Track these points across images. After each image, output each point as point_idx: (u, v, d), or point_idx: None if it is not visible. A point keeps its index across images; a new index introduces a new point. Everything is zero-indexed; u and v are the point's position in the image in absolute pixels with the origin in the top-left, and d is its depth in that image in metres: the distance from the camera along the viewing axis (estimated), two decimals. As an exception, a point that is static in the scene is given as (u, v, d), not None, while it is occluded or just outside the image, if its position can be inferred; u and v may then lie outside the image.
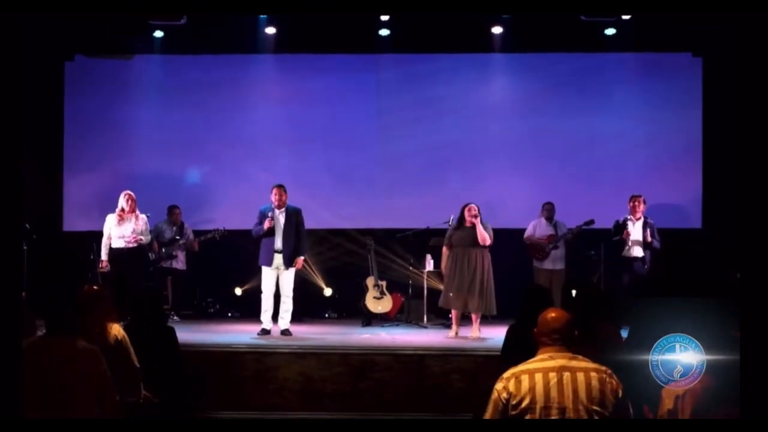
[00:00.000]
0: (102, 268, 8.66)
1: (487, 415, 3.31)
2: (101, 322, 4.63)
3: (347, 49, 10.43)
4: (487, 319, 8.83)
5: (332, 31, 9.91)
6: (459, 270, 8.14)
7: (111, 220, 8.63)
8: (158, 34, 10.11)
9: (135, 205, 8.65)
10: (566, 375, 3.21)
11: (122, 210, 8.60)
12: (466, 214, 8.21)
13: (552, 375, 3.21)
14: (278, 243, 8.07)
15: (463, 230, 8.24)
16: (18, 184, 3.69)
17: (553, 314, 3.40)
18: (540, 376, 3.21)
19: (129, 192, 8.69)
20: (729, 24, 8.29)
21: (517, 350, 3.63)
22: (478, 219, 8.13)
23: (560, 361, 3.25)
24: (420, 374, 6.83)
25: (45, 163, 10.29)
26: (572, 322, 3.38)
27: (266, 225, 8.05)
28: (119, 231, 8.59)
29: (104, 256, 8.63)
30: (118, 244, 8.59)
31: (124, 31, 9.86)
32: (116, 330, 4.69)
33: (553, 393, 3.19)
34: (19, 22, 3.89)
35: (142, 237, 8.69)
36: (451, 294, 8.20)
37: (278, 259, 8.08)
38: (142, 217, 8.75)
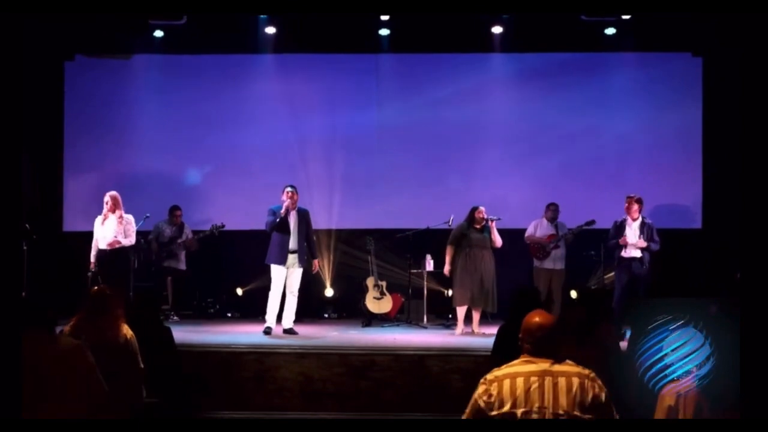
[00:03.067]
0: (90, 267, 8.58)
1: (465, 417, 3.24)
2: (113, 323, 4.64)
3: (347, 49, 10.43)
4: (487, 319, 8.85)
5: (332, 31, 9.91)
6: (475, 269, 8.41)
7: (97, 221, 8.44)
8: (158, 33, 10.11)
9: (117, 206, 8.31)
10: (548, 380, 3.15)
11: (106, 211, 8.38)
12: (477, 215, 8.50)
13: (534, 379, 3.15)
14: (293, 243, 8.17)
15: (477, 232, 8.50)
16: (18, 184, 3.69)
17: (537, 319, 3.27)
18: (521, 381, 3.15)
19: (111, 192, 8.39)
20: (729, 24, 8.30)
21: (506, 349, 3.57)
22: (494, 223, 8.52)
23: (542, 366, 3.19)
24: (420, 374, 6.83)
25: (45, 163, 10.28)
26: (556, 330, 3.27)
27: (283, 210, 8.05)
28: (102, 232, 8.35)
29: (92, 258, 8.47)
30: (101, 245, 8.36)
31: (124, 31, 9.85)
32: (125, 330, 4.69)
33: (534, 397, 3.13)
34: (19, 22, 3.89)
35: (121, 239, 8.31)
36: (467, 292, 8.40)
37: (292, 258, 8.19)
38: (127, 217, 8.39)
